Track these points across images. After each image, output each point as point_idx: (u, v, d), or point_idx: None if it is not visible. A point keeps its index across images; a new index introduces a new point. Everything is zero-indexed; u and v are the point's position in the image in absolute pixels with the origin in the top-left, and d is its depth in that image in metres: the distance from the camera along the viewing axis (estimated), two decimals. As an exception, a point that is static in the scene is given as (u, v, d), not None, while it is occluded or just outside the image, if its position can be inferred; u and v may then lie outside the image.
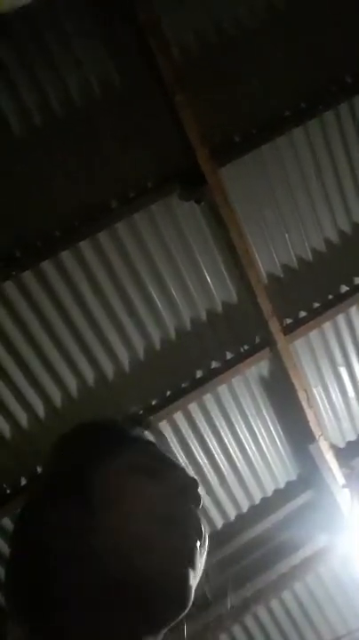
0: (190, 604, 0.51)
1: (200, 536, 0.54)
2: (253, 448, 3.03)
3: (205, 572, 0.61)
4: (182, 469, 0.59)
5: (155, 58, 2.17)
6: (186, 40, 2.29)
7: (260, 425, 3.00)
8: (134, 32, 2.16)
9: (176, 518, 0.52)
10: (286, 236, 2.74)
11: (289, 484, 3.23)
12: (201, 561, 0.53)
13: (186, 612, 0.51)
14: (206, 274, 2.64)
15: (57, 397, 2.58)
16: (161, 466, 0.58)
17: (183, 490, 0.55)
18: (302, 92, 2.56)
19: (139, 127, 2.31)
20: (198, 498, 0.56)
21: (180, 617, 0.51)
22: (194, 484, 0.56)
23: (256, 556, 3.26)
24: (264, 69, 2.46)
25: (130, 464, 0.56)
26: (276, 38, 2.43)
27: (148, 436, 0.65)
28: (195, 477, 0.60)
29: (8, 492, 2.61)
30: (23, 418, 2.55)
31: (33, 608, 0.51)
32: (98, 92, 2.22)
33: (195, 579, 0.51)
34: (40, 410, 2.57)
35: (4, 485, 2.62)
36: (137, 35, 2.16)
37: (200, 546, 0.53)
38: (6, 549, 2.68)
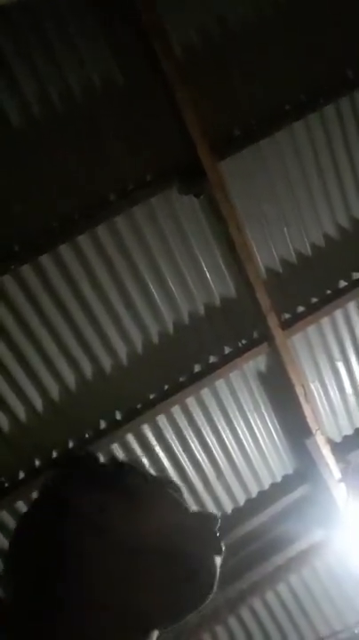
0: (215, 587, 0.58)
1: (217, 528, 0.62)
2: (250, 442, 3.04)
3: None
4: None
5: (156, 55, 2.15)
6: (187, 36, 2.28)
7: (258, 419, 3.01)
8: (136, 29, 2.14)
9: (198, 520, 0.62)
10: (285, 230, 2.73)
11: (285, 477, 3.25)
12: (222, 547, 0.61)
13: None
14: (205, 268, 2.64)
15: (55, 391, 2.58)
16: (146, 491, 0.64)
17: (203, 517, 0.64)
18: (303, 86, 2.54)
19: (139, 122, 2.29)
20: (216, 520, 0.64)
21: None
22: (214, 517, 0.65)
23: (252, 548, 3.29)
24: (265, 64, 2.44)
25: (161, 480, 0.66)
26: (278, 33, 2.41)
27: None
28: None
29: (6, 485, 2.62)
30: (21, 411, 2.55)
31: (37, 605, 0.51)
32: (99, 88, 2.21)
33: (219, 563, 0.58)
34: (38, 403, 2.57)
35: (3, 479, 2.62)
36: (139, 32, 2.15)
37: (219, 535, 0.61)
38: (5, 543, 2.70)
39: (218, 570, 0.59)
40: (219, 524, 0.64)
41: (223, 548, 0.61)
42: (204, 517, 0.64)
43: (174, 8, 2.20)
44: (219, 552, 0.61)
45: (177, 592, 0.56)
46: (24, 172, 2.22)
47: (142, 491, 0.62)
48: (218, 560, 0.60)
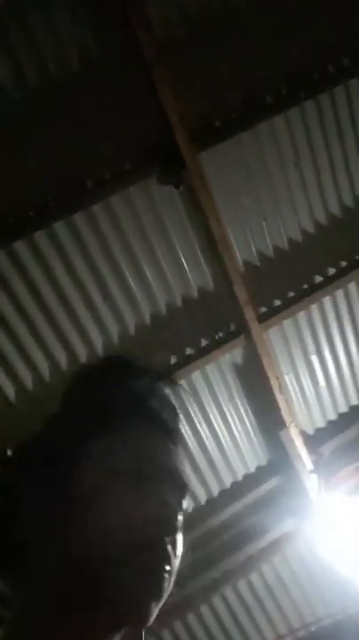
0: (147, 624, 0.51)
1: (166, 566, 0.53)
2: (225, 433, 3.07)
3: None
4: (175, 481, 0.58)
5: (135, 32, 2.11)
6: (169, 16, 2.23)
7: (233, 411, 3.04)
8: (116, 5, 2.10)
9: (144, 544, 0.51)
10: (263, 224, 2.75)
11: (259, 468, 3.29)
12: (166, 588, 0.53)
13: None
14: (183, 259, 2.63)
15: (28, 380, 2.55)
16: (152, 475, 0.56)
17: (159, 520, 0.53)
18: (284, 78, 2.54)
19: (117, 106, 2.25)
20: (174, 529, 0.54)
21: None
22: (173, 516, 0.54)
23: (225, 538, 3.33)
24: (247, 53, 2.43)
25: (121, 465, 0.54)
26: (262, 23, 2.40)
27: (168, 395, 0.64)
28: (186, 488, 0.59)
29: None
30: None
31: (7, 579, 0.53)
32: (76, 67, 2.15)
33: (156, 606, 0.51)
34: (11, 393, 2.54)
35: None
36: (119, 8, 2.10)
37: (166, 574, 0.52)
38: None
39: (150, 616, 0.51)
40: (176, 534, 0.55)
41: (165, 590, 0.52)
42: (160, 527, 0.53)
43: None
44: (156, 596, 0.51)
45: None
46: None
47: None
48: (153, 606, 0.51)
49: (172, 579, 0.54)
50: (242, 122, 2.50)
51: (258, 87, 2.51)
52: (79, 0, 2.08)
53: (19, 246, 2.28)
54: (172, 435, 0.62)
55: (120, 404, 0.59)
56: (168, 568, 0.53)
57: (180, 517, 0.57)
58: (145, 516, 0.52)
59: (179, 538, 0.56)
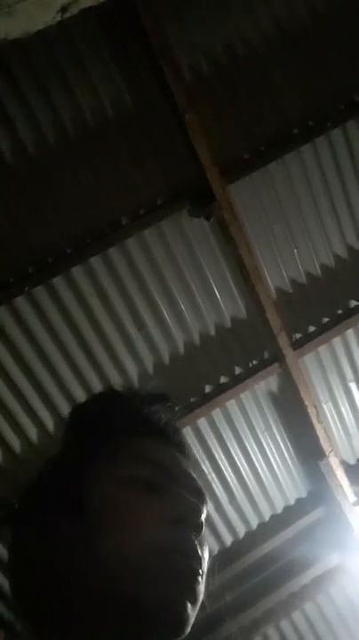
0: (185, 633, 0.49)
1: (198, 567, 0.51)
2: (262, 464, 3.01)
3: (207, 595, 0.60)
4: (189, 485, 0.56)
5: (166, 80, 2.22)
6: (196, 61, 2.35)
7: (270, 441, 2.98)
8: (146, 55, 2.22)
9: (172, 547, 0.49)
10: (295, 251, 2.75)
11: (299, 500, 3.19)
12: (200, 590, 0.50)
13: None
14: (215, 289, 2.66)
15: (66, 410, 2.59)
16: (166, 481, 0.54)
17: (182, 517, 0.51)
18: (310, 110, 2.60)
19: (150, 146, 2.36)
20: (199, 526, 0.52)
21: None
22: (195, 510, 0.53)
23: (266, 574, 3.21)
24: (272, 88, 2.51)
25: (132, 476, 0.53)
26: (284, 58, 2.48)
27: (172, 418, 0.63)
28: (202, 493, 0.57)
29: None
30: (16, 443, 2.56)
31: (32, 623, 0.52)
32: (111, 113, 2.28)
33: (193, 609, 0.49)
34: (50, 424, 2.58)
35: (14, 501, 2.62)
36: (149, 58, 2.22)
37: (199, 576, 0.50)
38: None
39: (188, 621, 0.48)
40: (202, 531, 0.52)
41: (200, 593, 0.50)
42: (184, 525, 0.50)
43: (183, 34, 2.28)
44: (187, 596, 0.49)
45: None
46: (39, 197, 2.28)
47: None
48: (189, 609, 0.48)
49: (204, 582, 0.52)
50: (270, 153, 2.55)
51: (285, 119, 2.57)
52: (111, 53, 2.22)
53: (58, 282, 2.37)
54: (179, 446, 0.61)
55: (123, 423, 0.58)
56: (200, 570, 0.50)
57: (203, 518, 0.54)
58: (167, 518, 0.50)
59: (205, 540, 0.54)
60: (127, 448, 0.56)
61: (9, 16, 1.39)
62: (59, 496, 0.53)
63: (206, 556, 0.54)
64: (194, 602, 0.49)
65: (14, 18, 1.41)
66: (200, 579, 0.50)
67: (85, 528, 0.50)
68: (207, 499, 0.58)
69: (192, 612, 0.49)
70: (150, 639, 0.48)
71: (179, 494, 0.53)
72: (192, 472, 0.59)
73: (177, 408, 0.66)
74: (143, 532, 0.49)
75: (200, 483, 0.58)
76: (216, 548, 3.10)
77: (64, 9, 1.58)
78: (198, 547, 0.51)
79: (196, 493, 0.56)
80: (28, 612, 0.52)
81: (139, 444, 0.57)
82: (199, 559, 0.51)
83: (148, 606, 0.47)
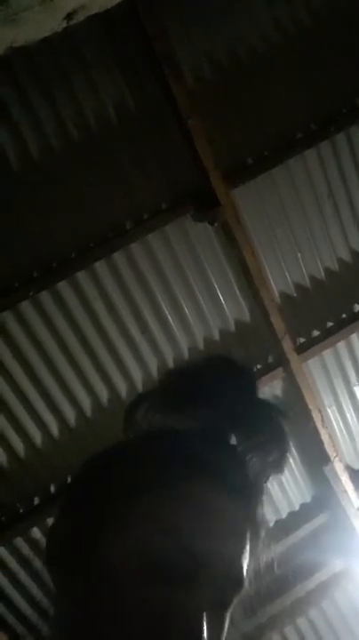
0: None
1: None
2: (267, 469, 2.99)
3: None
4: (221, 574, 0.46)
5: (169, 85, 2.23)
6: (199, 66, 2.36)
7: (274, 445, 2.97)
8: (149, 60, 2.23)
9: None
10: (299, 255, 2.75)
11: (303, 506, 3.17)
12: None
13: None
14: (219, 293, 2.66)
15: (71, 416, 2.59)
16: (189, 576, 0.44)
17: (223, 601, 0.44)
18: (314, 114, 2.60)
19: (153, 151, 2.36)
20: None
21: None
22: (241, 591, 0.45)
23: (270, 580, 3.19)
24: (276, 93, 2.51)
25: (154, 556, 0.43)
26: (288, 62, 2.49)
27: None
28: (240, 583, 0.47)
29: (21, 511, 2.61)
30: (38, 436, 2.56)
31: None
32: (114, 118, 2.29)
33: None
34: (54, 428, 2.58)
35: (18, 505, 2.62)
36: (152, 63, 2.24)
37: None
38: (3, 580, 2.66)
39: None
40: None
41: None
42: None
43: (186, 39, 2.30)
44: None
45: None
46: (43, 201, 2.29)
47: None
48: None
49: None
50: (273, 158, 2.56)
51: (288, 124, 2.58)
52: (114, 58, 2.23)
53: (63, 287, 2.37)
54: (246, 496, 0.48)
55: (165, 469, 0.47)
56: None
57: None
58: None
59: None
60: (161, 512, 0.45)
61: (15, 23, 1.40)
62: (72, 551, 0.47)
63: None
64: None
65: (20, 25, 1.42)
66: None
67: (90, 593, 0.44)
68: (245, 588, 0.49)
69: None
70: None
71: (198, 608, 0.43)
72: (246, 543, 0.47)
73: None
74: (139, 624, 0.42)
75: (251, 562, 0.48)
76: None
77: (69, 16, 1.59)
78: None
79: (232, 585, 0.46)
80: None
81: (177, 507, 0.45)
82: None
83: None
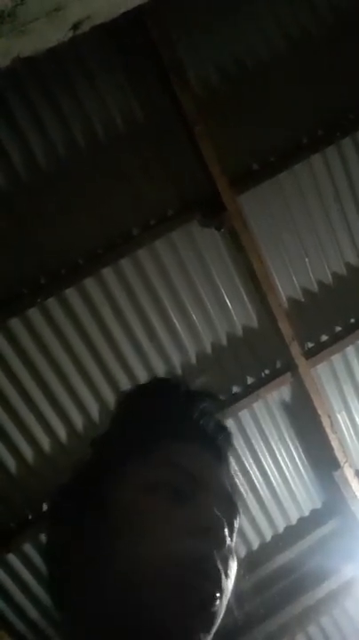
0: None
1: (214, 589, 0.48)
2: (276, 475, 2.98)
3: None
4: (220, 495, 0.54)
5: (176, 92, 2.25)
6: (205, 73, 2.38)
7: (283, 451, 2.95)
8: (156, 68, 2.25)
9: (189, 562, 0.47)
10: (306, 260, 2.75)
11: (313, 512, 3.15)
12: (216, 612, 0.48)
13: None
14: (226, 298, 2.66)
15: (79, 422, 2.60)
16: (195, 490, 0.52)
17: (206, 530, 0.49)
18: (320, 119, 2.60)
19: (160, 158, 2.38)
20: (222, 540, 0.50)
21: None
22: (219, 524, 0.50)
23: (280, 587, 3.16)
24: (282, 99, 2.52)
25: (160, 482, 0.51)
26: (294, 68, 2.50)
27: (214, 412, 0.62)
28: (233, 504, 0.56)
29: (11, 525, 2.60)
30: (29, 453, 2.56)
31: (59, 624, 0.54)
32: (121, 126, 2.31)
33: (204, 629, 0.48)
34: (62, 433, 2.59)
35: (26, 511, 2.62)
36: (159, 71, 2.25)
37: (214, 599, 0.48)
38: (9, 584, 2.66)
39: (196, 635, 0.47)
40: (225, 546, 0.49)
41: (215, 615, 0.48)
42: (207, 538, 0.48)
43: (192, 47, 2.31)
44: (205, 626, 0.47)
45: None
46: (50, 209, 2.31)
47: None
48: (201, 629, 0.47)
49: (224, 602, 0.50)
50: (279, 163, 2.56)
51: (294, 129, 2.58)
52: (121, 66, 2.25)
53: (71, 293, 2.38)
54: (219, 451, 0.59)
55: (162, 423, 0.57)
56: (217, 592, 0.48)
57: (231, 535, 0.53)
58: (190, 530, 0.48)
59: (232, 557, 0.52)
60: (161, 451, 0.54)
61: (22, 35, 1.42)
62: (86, 497, 0.53)
63: (231, 573, 0.52)
64: (207, 629, 0.48)
65: (27, 36, 1.44)
66: (216, 601, 0.48)
67: (107, 532, 0.49)
68: (239, 510, 0.56)
69: (202, 633, 0.47)
70: None
71: (206, 505, 0.51)
72: (227, 481, 0.57)
73: (223, 409, 0.64)
74: (162, 541, 0.48)
75: (234, 493, 0.56)
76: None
77: (75, 26, 1.61)
78: (219, 563, 0.49)
79: (226, 504, 0.54)
80: (56, 605, 0.53)
81: (175, 448, 0.55)
82: (217, 579, 0.49)
83: (160, 618, 0.46)
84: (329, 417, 2.82)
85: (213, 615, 0.48)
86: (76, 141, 2.27)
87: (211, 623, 0.48)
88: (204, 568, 0.48)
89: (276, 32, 2.44)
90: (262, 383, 2.78)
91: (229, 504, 0.55)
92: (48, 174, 2.27)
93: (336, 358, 2.88)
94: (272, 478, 2.97)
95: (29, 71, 2.17)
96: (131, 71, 2.27)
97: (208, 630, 0.48)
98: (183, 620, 0.46)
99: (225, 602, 0.50)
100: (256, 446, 2.88)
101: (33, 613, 2.71)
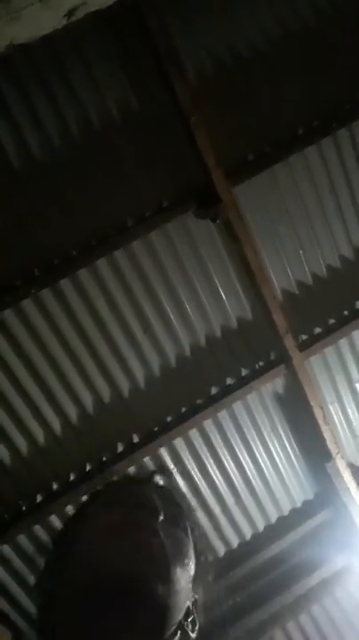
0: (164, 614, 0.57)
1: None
2: (269, 466, 3.00)
3: (214, 597, 0.64)
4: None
5: (172, 82, 2.22)
6: (202, 65, 2.36)
7: (276, 442, 2.97)
8: (152, 58, 2.23)
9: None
10: (301, 252, 2.75)
11: (305, 503, 3.18)
12: (178, 575, 0.61)
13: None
14: (221, 290, 2.66)
15: (73, 414, 2.60)
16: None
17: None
18: (315, 110, 2.59)
19: (156, 149, 2.36)
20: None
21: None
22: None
23: (272, 576, 3.20)
24: (277, 89, 2.50)
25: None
26: (289, 59, 2.48)
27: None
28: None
29: (24, 508, 2.62)
30: (40, 434, 2.57)
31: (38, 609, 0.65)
32: (117, 116, 2.29)
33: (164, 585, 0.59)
34: (56, 426, 2.59)
35: (21, 502, 2.63)
36: (154, 61, 2.23)
37: (161, 551, 0.62)
38: (6, 578, 2.68)
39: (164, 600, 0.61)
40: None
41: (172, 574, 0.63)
42: None
43: (188, 36, 2.29)
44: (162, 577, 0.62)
45: None
46: (44, 199, 2.29)
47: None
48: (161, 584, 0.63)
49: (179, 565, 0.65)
50: (275, 154, 2.55)
51: (289, 120, 2.57)
52: (116, 55, 2.22)
53: (65, 284, 2.37)
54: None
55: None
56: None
57: None
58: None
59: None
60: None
61: (16, 21, 1.40)
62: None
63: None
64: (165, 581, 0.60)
65: (21, 23, 1.42)
66: (173, 561, 0.62)
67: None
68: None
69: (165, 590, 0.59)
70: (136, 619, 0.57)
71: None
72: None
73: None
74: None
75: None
76: (222, 551, 3.10)
77: (70, 13, 1.59)
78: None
79: None
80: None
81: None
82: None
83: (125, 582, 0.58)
84: (321, 409, 2.84)
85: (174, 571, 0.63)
86: (71, 131, 2.24)
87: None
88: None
89: (273, 22, 2.42)
90: (256, 375, 2.79)
91: None
92: (42, 164, 2.25)
93: (329, 351, 2.89)
94: (265, 470, 2.99)
95: (24, 58, 2.13)
96: (126, 60, 2.24)
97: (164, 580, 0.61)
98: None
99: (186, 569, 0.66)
100: (249, 438, 2.90)
101: (26, 603, 2.73)
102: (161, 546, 0.63)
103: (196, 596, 0.67)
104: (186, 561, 0.66)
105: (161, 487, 0.73)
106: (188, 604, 0.64)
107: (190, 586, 0.65)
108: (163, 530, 0.65)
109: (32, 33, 1.75)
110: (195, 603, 0.66)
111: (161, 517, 0.67)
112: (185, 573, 0.64)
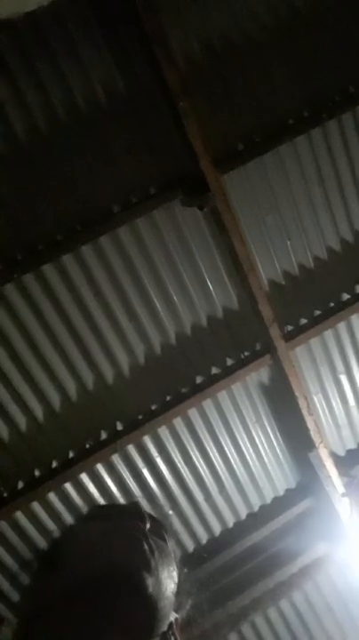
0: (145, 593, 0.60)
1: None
2: (252, 455, 3.02)
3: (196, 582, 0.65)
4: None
5: (160, 66, 2.19)
6: (191, 49, 2.32)
7: (260, 432, 2.99)
8: (140, 40, 2.18)
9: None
10: (288, 243, 2.74)
11: (288, 491, 3.21)
12: (166, 579, 0.64)
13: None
14: (207, 279, 2.65)
15: (56, 401, 2.58)
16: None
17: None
18: (306, 100, 2.57)
19: (143, 134, 2.32)
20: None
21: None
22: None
23: (254, 563, 3.24)
24: (268, 78, 2.48)
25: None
26: (281, 47, 2.45)
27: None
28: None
29: (5, 495, 2.61)
30: (22, 421, 2.55)
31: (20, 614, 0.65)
32: (103, 99, 2.25)
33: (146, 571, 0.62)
34: (39, 413, 2.57)
35: (2, 489, 2.62)
36: (142, 43, 2.19)
37: (151, 552, 0.65)
38: (2, 552, 2.68)
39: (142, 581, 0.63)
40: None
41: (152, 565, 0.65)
42: None
43: (177, 19, 2.25)
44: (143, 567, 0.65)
45: None
46: (29, 182, 2.25)
47: None
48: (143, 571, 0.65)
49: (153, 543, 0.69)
50: (264, 144, 2.53)
51: (279, 110, 2.55)
52: (104, 38, 2.17)
53: (48, 269, 2.34)
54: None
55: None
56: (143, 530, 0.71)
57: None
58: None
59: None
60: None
61: (-3, -5, 1.36)
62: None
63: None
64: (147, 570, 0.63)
65: (3, -3, 1.38)
66: (150, 553, 0.65)
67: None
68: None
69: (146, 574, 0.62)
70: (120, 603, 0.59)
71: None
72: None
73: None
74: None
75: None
76: (205, 538, 3.12)
77: (55, -11, 1.55)
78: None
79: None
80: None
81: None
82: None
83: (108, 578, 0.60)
84: (306, 399, 2.86)
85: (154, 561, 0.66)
86: (57, 114, 2.20)
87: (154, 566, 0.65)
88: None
89: (264, 8, 2.39)
90: (241, 365, 2.80)
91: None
92: (26, 147, 2.20)
93: (314, 342, 2.91)
94: (248, 458, 3.01)
95: (7, 38, 2.08)
96: (114, 43, 2.20)
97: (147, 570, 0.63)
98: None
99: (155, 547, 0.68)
100: (233, 427, 2.92)
101: (25, 580, 2.73)
102: (151, 548, 0.66)
103: (177, 617, 0.69)
104: (171, 568, 0.69)
105: (146, 512, 0.75)
106: (171, 619, 0.66)
107: (173, 599, 0.67)
108: (151, 537, 0.69)
109: (16, 8, 1.70)
110: (176, 621, 0.68)
111: (148, 525, 0.70)
112: (171, 581, 0.67)
